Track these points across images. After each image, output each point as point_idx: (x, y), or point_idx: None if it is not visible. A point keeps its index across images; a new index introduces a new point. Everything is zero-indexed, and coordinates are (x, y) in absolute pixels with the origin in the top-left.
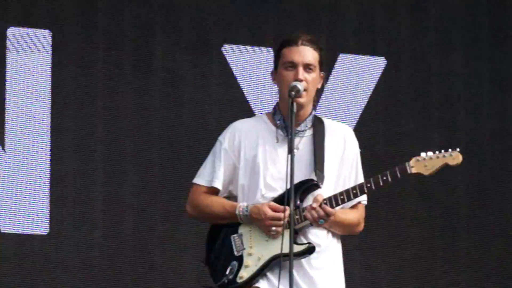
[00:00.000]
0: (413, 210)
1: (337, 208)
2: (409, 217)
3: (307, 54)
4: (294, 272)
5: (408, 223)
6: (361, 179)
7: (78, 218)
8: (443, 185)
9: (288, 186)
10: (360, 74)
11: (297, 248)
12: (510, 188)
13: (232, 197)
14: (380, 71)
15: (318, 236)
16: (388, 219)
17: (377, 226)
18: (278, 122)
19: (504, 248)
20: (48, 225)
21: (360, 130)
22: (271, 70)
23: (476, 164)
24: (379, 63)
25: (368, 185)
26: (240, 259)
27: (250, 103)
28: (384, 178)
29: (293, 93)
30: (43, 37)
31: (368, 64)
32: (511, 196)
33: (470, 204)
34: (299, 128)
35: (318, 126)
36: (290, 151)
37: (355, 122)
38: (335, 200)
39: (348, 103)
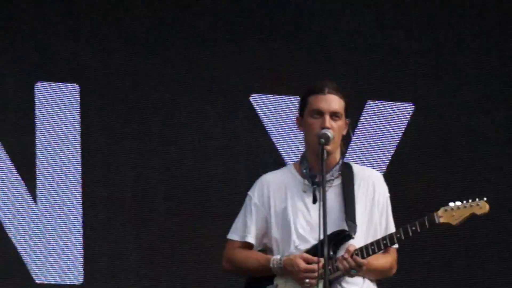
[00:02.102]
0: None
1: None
2: (441, 257)
3: (334, 102)
4: None
5: (441, 263)
6: (391, 226)
7: (111, 268)
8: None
9: (321, 237)
10: (388, 119)
11: None
12: None
13: (268, 249)
14: (409, 116)
15: (353, 283)
16: (424, 259)
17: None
18: (304, 171)
19: None
20: (83, 275)
21: (390, 176)
22: (297, 116)
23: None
24: (407, 108)
25: (398, 235)
26: None
27: (280, 151)
28: (413, 228)
29: (323, 140)
30: (71, 90)
31: (396, 110)
32: None
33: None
34: (326, 178)
35: (346, 173)
36: (320, 199)
37: (384, 167)
38: (366, 250)
39: (378, 149)
